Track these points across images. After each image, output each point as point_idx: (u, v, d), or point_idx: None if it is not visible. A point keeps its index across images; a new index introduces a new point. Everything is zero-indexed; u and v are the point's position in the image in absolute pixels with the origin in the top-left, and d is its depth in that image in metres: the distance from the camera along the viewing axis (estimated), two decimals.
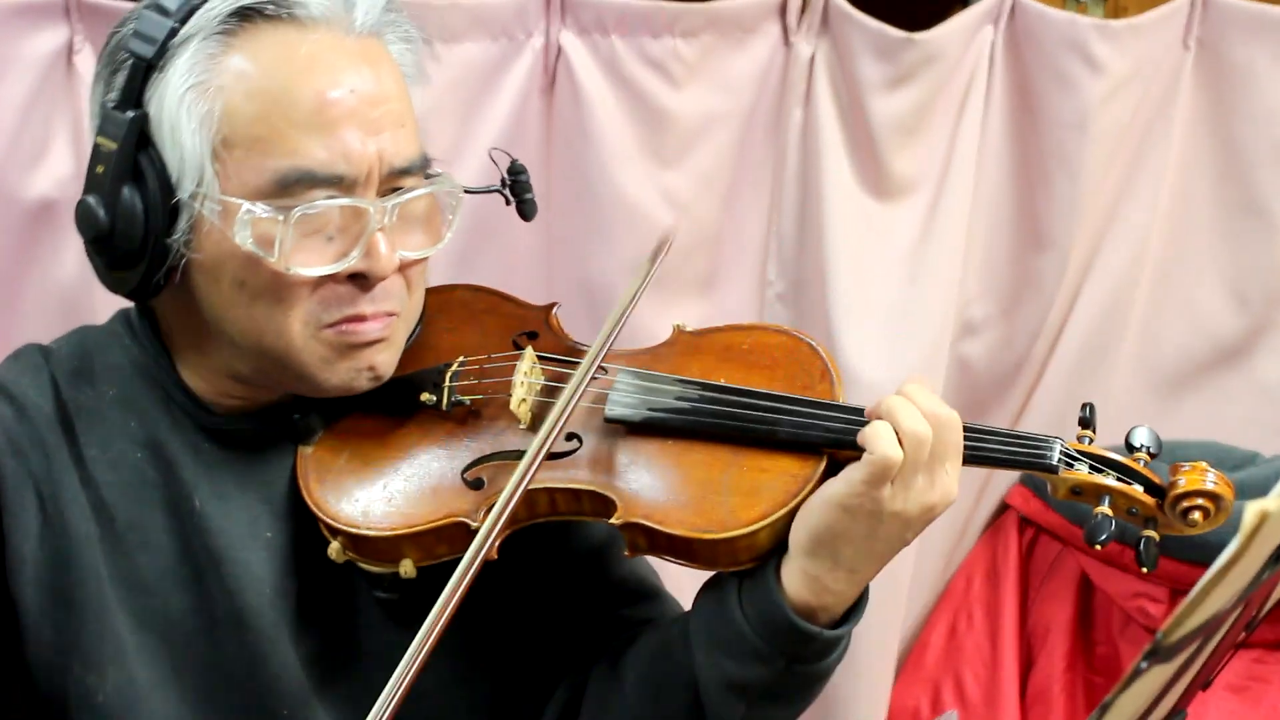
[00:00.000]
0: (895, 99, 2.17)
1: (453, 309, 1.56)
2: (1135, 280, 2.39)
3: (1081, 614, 2.36)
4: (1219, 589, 0.89)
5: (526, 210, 1.53)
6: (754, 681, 1.38)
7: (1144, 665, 0.93)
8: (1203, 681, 1.18)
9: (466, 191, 1.47)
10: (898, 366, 2.22)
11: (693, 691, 1.42)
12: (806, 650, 1.37)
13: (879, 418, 1.33)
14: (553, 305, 1.56)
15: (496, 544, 1.30)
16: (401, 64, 1.43)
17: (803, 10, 2.14)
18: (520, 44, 2.07)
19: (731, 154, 2.19)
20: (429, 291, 1.50)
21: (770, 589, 1.36)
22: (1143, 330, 2.44)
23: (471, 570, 1.25)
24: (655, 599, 1.58)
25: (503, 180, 1.52)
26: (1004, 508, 2.44)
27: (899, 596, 2.34)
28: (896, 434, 1.31)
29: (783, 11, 2.15)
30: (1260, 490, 2.23)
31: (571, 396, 1.35)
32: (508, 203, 1.52)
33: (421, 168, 1.41)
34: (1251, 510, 0.85)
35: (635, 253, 2.15)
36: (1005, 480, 2.43)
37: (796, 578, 1.35)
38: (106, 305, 1.52)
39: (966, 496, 2.40)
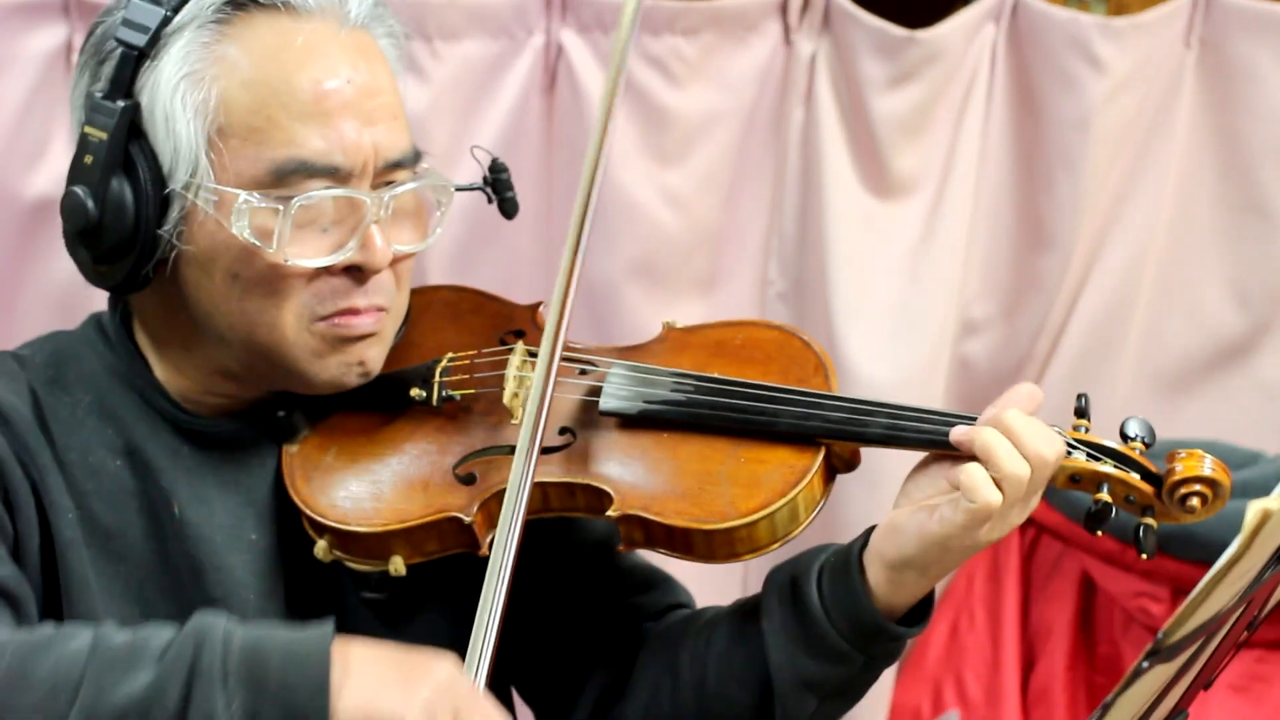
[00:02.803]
0: (897, 97, 2.17)
1: (437, 309, 1.55)
2: (1137, 279, 2.38)
3: (1083, 614, 2.36)
4: (1221, 588, 0.89)
5: (507, 208, 1.52)
6: (832, 679, 1.38)
7: (1145, 665, 0.93)
8: (1204, 681, 1.18)
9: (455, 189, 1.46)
10: (899, 366, 2.21)
11: (763, 688, 1.41)
12: (889, 649, 1.38)
13: (974, 453, 1.31)
14: (538, 304, 1.55)
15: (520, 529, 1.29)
16: (388, 58, 1.42)
17: (804, 8, 2.14)
18: (520, 43, 2.07)
19: (732, 153, 2.18)
20: (412, 293, 1.49)
21: (859, 593, 1.36)
22: (1145, 329, 2.44)
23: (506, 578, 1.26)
24: (667, 585, 1.57)
25: (485, 178, 1.51)
26: None
27: None
28: (993, 473, 1.30)
29: (784, 10, 2.14)
30: (1262, 490, 2.21)
31: (547, 372, 1.33)
32: (489, 200, 1.51)
33: (413, 161, 1.41)
34: (1253, 510, 0.85)
35: (635, 252, 2.15)
36: None
37: (882, 583, 1.35)
38: (105, 304, 1.51)
39: None
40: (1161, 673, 0.96)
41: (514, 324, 1.53)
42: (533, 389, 1.33)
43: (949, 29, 2.17)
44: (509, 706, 1.55)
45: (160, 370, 1.43)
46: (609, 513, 1.36)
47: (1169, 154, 2.33)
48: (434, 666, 1.22)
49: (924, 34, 2.15)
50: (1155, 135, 2.32)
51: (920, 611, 1.39)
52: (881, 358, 2.21)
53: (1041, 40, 2.21)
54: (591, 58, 2.08)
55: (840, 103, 2.18)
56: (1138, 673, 0.93)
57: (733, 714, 1.43)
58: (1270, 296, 2.42)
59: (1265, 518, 0.85)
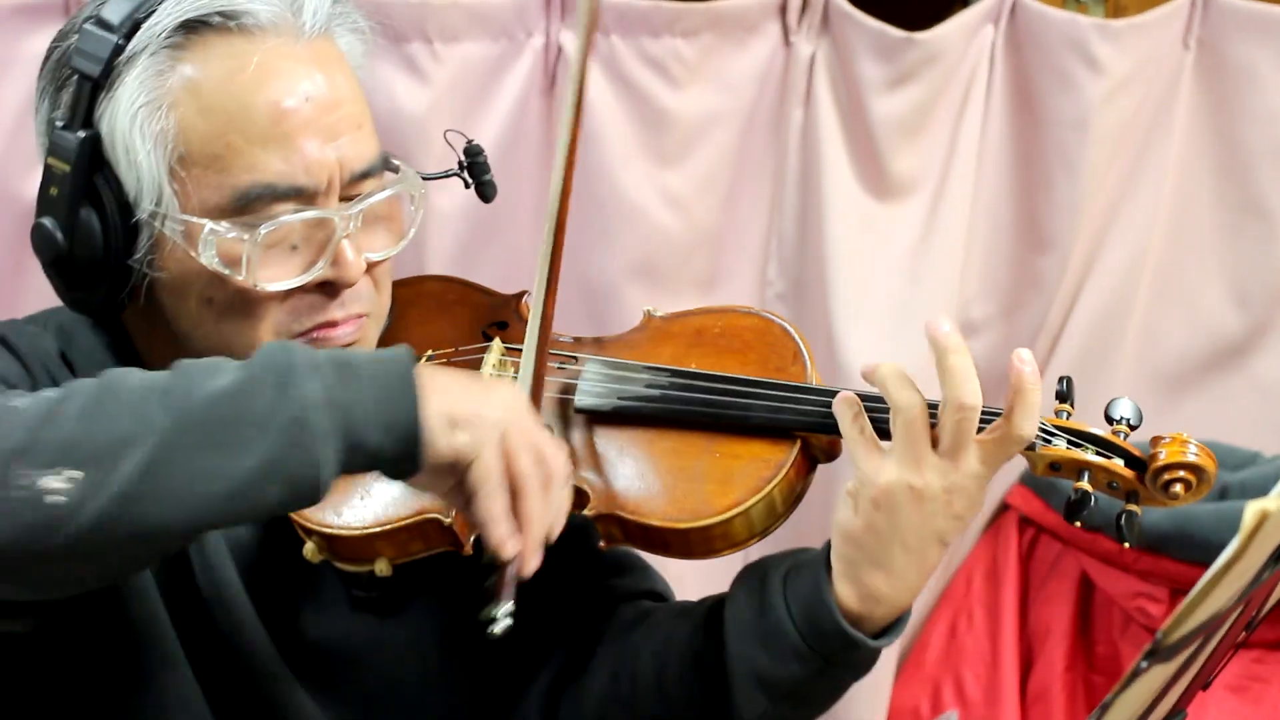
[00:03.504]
0: (895, 99, 2.17)
1: (423, 301, 1.55)
2: (1136, 280, 2.39)
3: (1082, 614, 2.36)
4: (1219, 589, 0.89)
5: (486, 192, 1.51)
6: (785, 680, 1.36)
7: (1144, 665, 0.93)
8: (1203, 681, 1.18)
9: (425, 178, 1.45)
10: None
11: (720, 680, 1.40)
12: (847, 657, 1.35)
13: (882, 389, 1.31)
14: (522, 294, 1.54)
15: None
16: (351, 55, 1.41)
17: (803, 10, 2.14)
18: (520, 44, 2.07)
19: (731, 154, 2.19)
20: (399, 284, 1.49)
21: (820, 589, 1.34)
22: (1143, 330, 2.44)
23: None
24: (642, 572, 1.57)
25: (460, 163, 1.50)
26: (1004, 508, 2.44)
27: None
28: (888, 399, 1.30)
29: (783, 11, 2.15)
30: (1261, 490, 2.23)
31: (536, 350, 1.33)
32: (467, 185, 1.50)
33: (381, 168, 1.40)
34: (1251, 510, 0.85)
35: (635, 253, 2.15)
36: (1005, 480, 2.43)
37: (844, 581, 1.34)
38: None
39: None
40: (1160, 673, 0.96)
41: (498, 315, 1.52)
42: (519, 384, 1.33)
43: (948, 30, 2.17)
44: (475, 695, 1.54)
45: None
46: (585, 511, 1.36)
47: (1167, 155, 2.34)
48: (501, 387, 1.27)
49: (923, 35, 2.15)
50: (1154, 136, 2.32)
51: (889, 628, 1.36)
52: (880, 358, 2.19)
53: (1040, 41, 2.21)
54: (591, 59, 2.08)
55: (839, 104, 2.18)
56: (1136, 673, 0.93)
57: (689, 703, 1.43)
58: (1269, 297, 2.42)
59: (1263, 518, 0.85)
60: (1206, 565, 0.91)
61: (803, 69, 2.16)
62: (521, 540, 1.22)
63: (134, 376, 1.17)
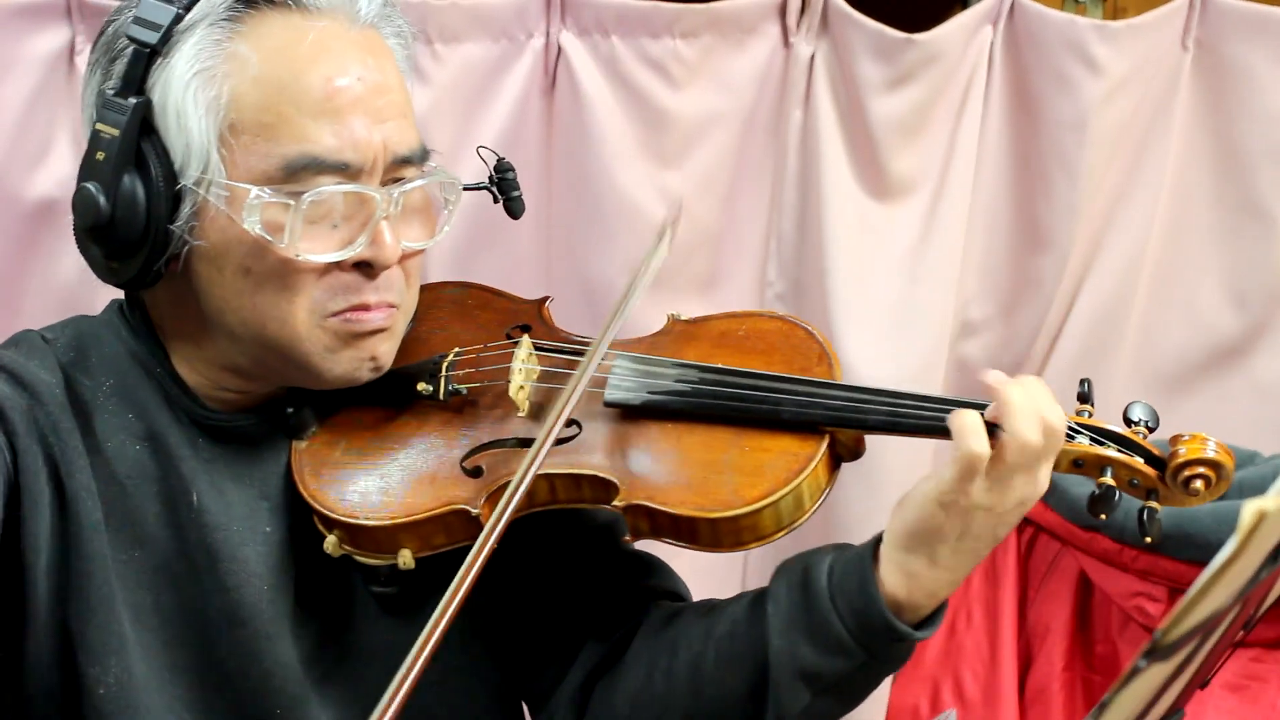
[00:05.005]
0: (895, 99, 2.17)
1: (444, 306, 1.56)
2: (1134, 280, 2.39)
3: (1080, 613, 2.37)
4: (1217, 588, 0.90)
5: (514, 208, 1.54)
6: (829, 673, 1.38)
7: (1142, 664, 0.93)
8: (1201, 680, 1.18)
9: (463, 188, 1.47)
10: (897, 366, 2.22)
11: (759, 675, 1.41)
12: (891, 650, 1.37)
13: (998, 407, 1.32)
14: (545, 299, 1.57)
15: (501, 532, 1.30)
16: (396, 58, 1.44)
17: (802, 11, 2.15)
18: (521, 44, 2.07)
19: (731, 154, 2.19)
20: (420, 290, 1.50)
21: (868, 581, 1.36)
22: (1142, 330, 2.44)
23: (482, 556, 1.24)
24: (665, 572, 1.58)
25: (491, 178, 1.53)
26: None
27: None
28: (1003, 430, 1.31)
29: (782, 12, 2.15)
30: (1259, 489, 2.23)
31: (579, 379, 1.34)
32: (495, 200, 1.53)
33: (421, 159, 1.42)
34: (1249, 509, 0.85)
35: (635, 253, 2.15)
36: None
37: (893, 573, 1.35)
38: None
39: None
40: (1158, 672, 0.97)
41: (521, 318, 1.54)
42: (562, 396, 1.34)
43: (947, 31, 2.18)
44: (501, 696, 1.55)
45: (175, 363, 1.44)
46: (615, 503, 1.37)
47: (1166, 155, 2.34)
48: None
49: (922, 36, 2.15)
50: (1152, 137, 2.33)
51: (930, 618, 1.38)
52: (880, 358, 2.22)
53: (1038, 42, 2.21)
54: (591, 60, 2.09)
55: (839, 104, 2.19)
56: (1135, 672, 0.94)
57: (725, 699, 1.44)
58: (1267, 297, 2.42)
59: (1261, 518, 0.85)
60: (1204, 564, 0.91)
61: (802, 70, 2.17)
62: None
63: None
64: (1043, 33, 2.21)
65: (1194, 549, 2.15)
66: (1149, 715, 1.04)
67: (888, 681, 2.40)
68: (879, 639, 1.36)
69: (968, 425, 1.31)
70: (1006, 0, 2.20)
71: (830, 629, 1.36)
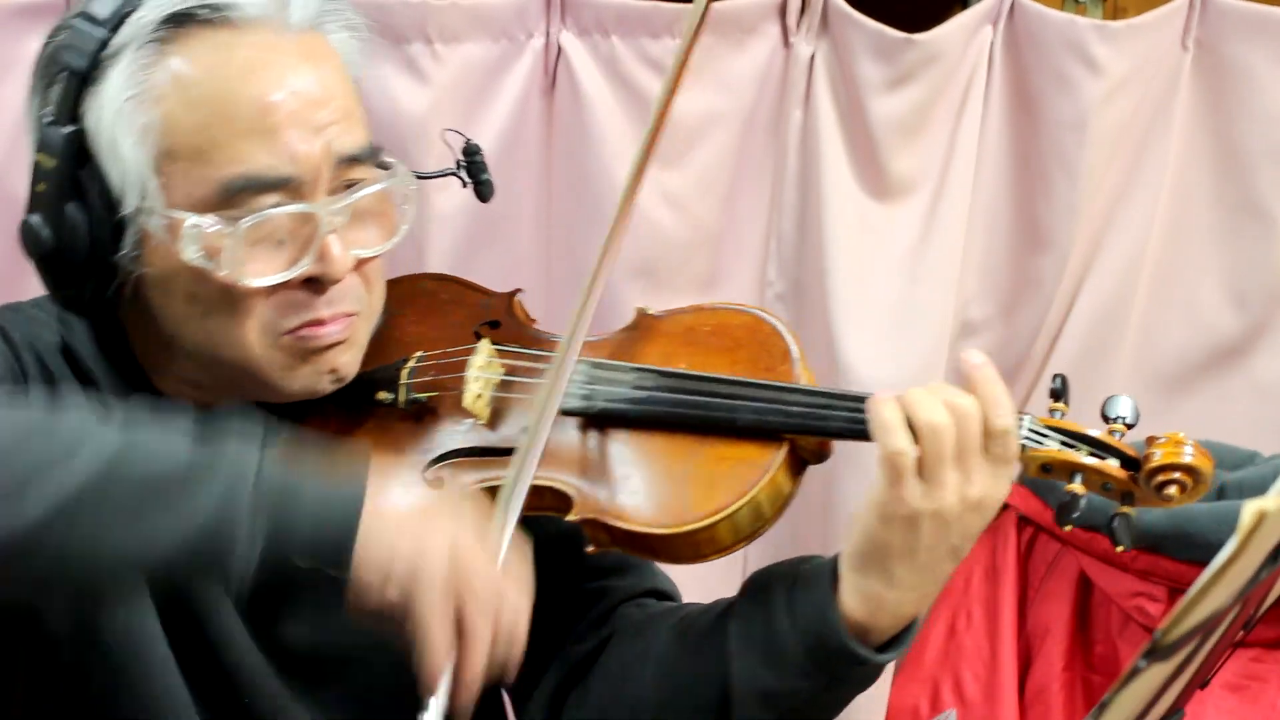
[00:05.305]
0: (895, 100, 2.17)
1: (417, 299, 1.53)
2: (1134, 280, 2.39)
3: (1080, 613, 2.36)
4: (1217, 588, 0.90)
5: (483, 191, 1.50)
6: (790, 695, 1.34)
7: (1142, 664, 0.94)
8: (1201, 680, 1.18)
9: (422, 177, 1.44)
10: (897, 366, 2.22)
11: (722, 693, 1.38)
12: (853, 673, 1.33)
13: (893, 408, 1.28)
14: (515, 292, 1.53)
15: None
16: (345, 54, 1.40)
17: (802, 11, 2.15)
18: (520, 45, 2.07)
19: (731, 154, 2.19)
20: (392, 282, 1.48)
21: (825, 605, 1.32)
22: (1142, 330, 2.44)
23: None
24: (642, 570, 1.53)
25: (458, 162, 1.49)
26: (1003, 506, 2.43)
27: None
28: (913, 420, 1.27)
29: (782, 12, 2.15)
30: (1259, 489, 2.23)
31: (545, 405, 1.32)
32: (464, 185, 1.49)
33: (371, 156, 1.38)
34: (1249, 510, 0.85)
35: (635, 253, 2.15)
36: None
37: (852, 595, 1.31)
38: None
39: None
40: (1158, 672, 0.97)
41: (490, 314, 1.50)
42: (534, 410, 1.32)
43: (946, 31, 2.18)
44: (499, 706, 1.54)
45: (154, 380, 1.42)
46: (569, 517, 1.34)
47: (1166, 155, 2.34)
48: (456, 521, 1.23)
49: (922, 36, 2.15)
50: (1152, 137, 2.33)
51: (900, 637, 1.34)
52: (880, 358, 2.22)
53: (1038, 42, 2.21)
54: (591, 60, 2.09)
55: (839, 104, 2.19)
56: (1135, 672, 0.94)
57: (690, 714, 1.40)
58: (1267, 297, 2.42)
59: (1261, 518, 0.85)
60: (1204, 565, 0.91)
61: (802, 70, 2.17)
62: (454, 685, 1.22)
63: (78, 417, 1.19)
64: (1043, 33, 2.21)
65: (1194, 549, 2.15)
66: (1149, 715, 1.04)
67: (887, 681, 2.40)
68: (839, 662, 1.32)
69: (885, 422, 1.27)
70: (1006, 0, 2.20)
71: (789, 653, 1.33)
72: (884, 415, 1.28)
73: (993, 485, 1.30)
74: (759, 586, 1.39)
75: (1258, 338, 2.45)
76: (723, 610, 1.42)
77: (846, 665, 1.32)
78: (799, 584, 1.35)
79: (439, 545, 1.20)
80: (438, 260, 2.07)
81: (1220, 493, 2.28)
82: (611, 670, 1.46)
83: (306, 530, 1.19)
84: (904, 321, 2.24)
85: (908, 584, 1.30)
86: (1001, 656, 2.38)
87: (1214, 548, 0.89)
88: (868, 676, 1.34)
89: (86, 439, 1.16)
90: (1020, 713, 2.36)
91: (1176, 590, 2.23)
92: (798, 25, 2.15)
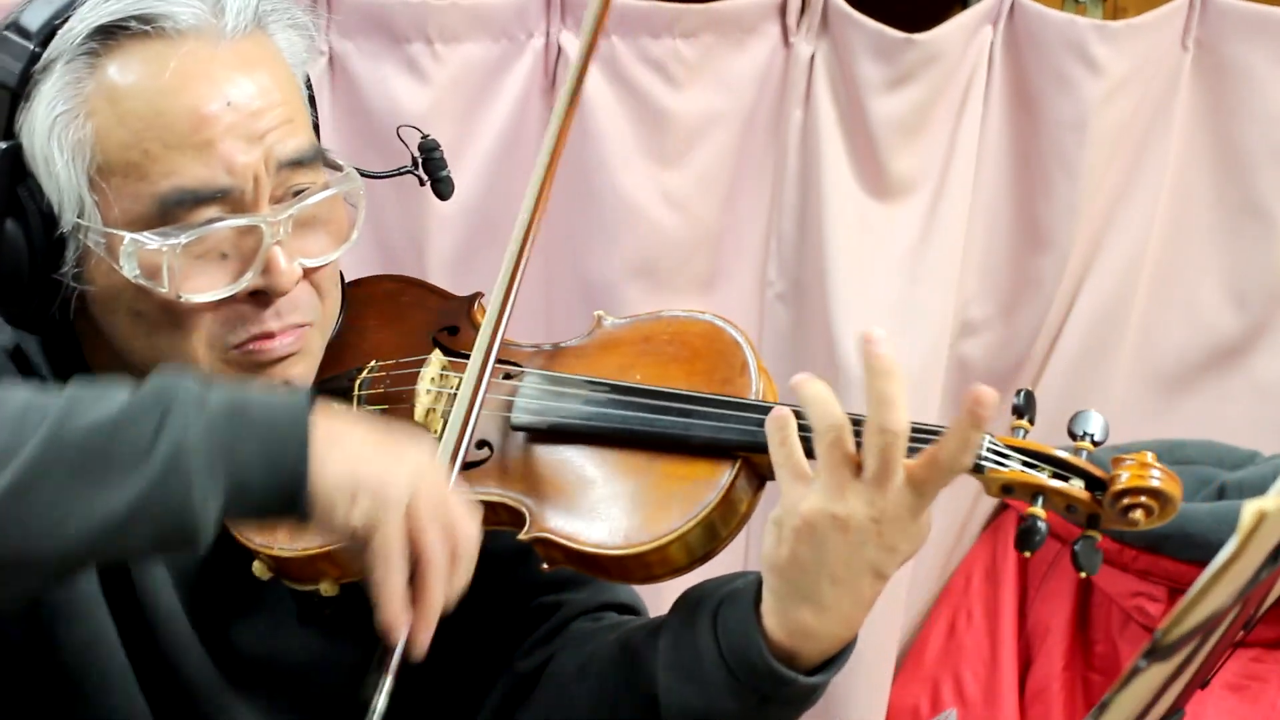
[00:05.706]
0: (895, 99, 2.17)
1: (378, 303, 1.48)
2: (1134, 280, 2.39)
3: (1080, 613, 2.37)
4: (1217, 588, 0.90)
5: (442, 189, 1.46)
6: (721, 714, 1.29)
7: (1142, 664, 0.93)
8: (1201, 680, 1.18)
9: (373, 176, 1.41)
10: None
11: (653, 711, 1.33)
12: (782, 693, 1.27)
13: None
14: (476, 295, 1.48)
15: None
16: (290, 52, 1.36)
17: (802, 11, 2.15)
18: (521, 44, 2.07)
19: (731, 154, 2.19)
20: (354, 284, 1.45)
21: (748, 624, 1.26)
22: (1142, 330, 2.44)
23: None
24: (598, 582, 1.47)
25: (415, 160, 1.45)
26: (1003, 506, 2.44)
27: (898, 595, 2.34)
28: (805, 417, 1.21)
29: (782, 12, 2.15)
30: (1259, 489, 2.24)
31: (469, 407, 1.29)
32: (421, 183, 1.45)
33: (315, 158, 1.34)
34: (1249, 510, 0.85)
35: (635, 252, 2.15)
36: None
37: (773, 616, 1.26)
38: None
39: (965, 496, 2.40)
40: (1158, 672, 0.97)
41: (449, 320, 1.46)
42: (457, 406, 1.29)
43: (947, 31, 2.18)
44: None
45: None
46: (521, 535, 1.31)
47: (1166, 155, 2.34)
48: (415, 446, 1.20)
49: (922, 36, 2.16)
50: (1152, 137, 2.33)
51: (837, 656, 1.28)
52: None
53: (1038, 42, 2.21)
54: (591, 60, 2.09)
55: (839, 104, 2.19)
56: (1135, 672, 0.94)
57: None
58: (1267, 297, 2.42)
59: (1261, 518, 0.85)
60: (1204, 564, 0.91)
61: (802, 69, 2.17)
62: (413, 618, 1.18)
63: (19, 394, 1.14)
64: (1043, 33, 2.21)
65: (1194, 549, 2.15)
66: (1149, 715, 1.04)
67: (887, 680, 2.40)
68: (764, 682, 1.26)
69: (775, 419, 1.22)
70: (1006, 0, 2.20)
71: (714, 674, 1.28)
72: (772, 418, 1.23)
73: (900, 497, 1.20)
74: (690, 603, 1.34)
75: (1258, 338, 2.45)
76: (656, 626, 1.37)
77: (773, 685, 1.26)
78: (725, 602, 1.30)
79: (401, 471, 1.16)
80: (438, 261, 2.07)
81: (1220, 492, 2.28)
82: (553, 684, 1.42)
83: (258, 447, 1.13)
84: (904, 321, 2.24)
85: (827, 601, 1.23)
86: (1001, 656, 2.38)
87: (1214, 548, 0.89)
88: (802, 696, 1.28)
89: (30, 409, 1.11)
90: (1020, 712, 2.37)
91: (1176, 590, 2.23)
92: (798, 25, 2.15)
